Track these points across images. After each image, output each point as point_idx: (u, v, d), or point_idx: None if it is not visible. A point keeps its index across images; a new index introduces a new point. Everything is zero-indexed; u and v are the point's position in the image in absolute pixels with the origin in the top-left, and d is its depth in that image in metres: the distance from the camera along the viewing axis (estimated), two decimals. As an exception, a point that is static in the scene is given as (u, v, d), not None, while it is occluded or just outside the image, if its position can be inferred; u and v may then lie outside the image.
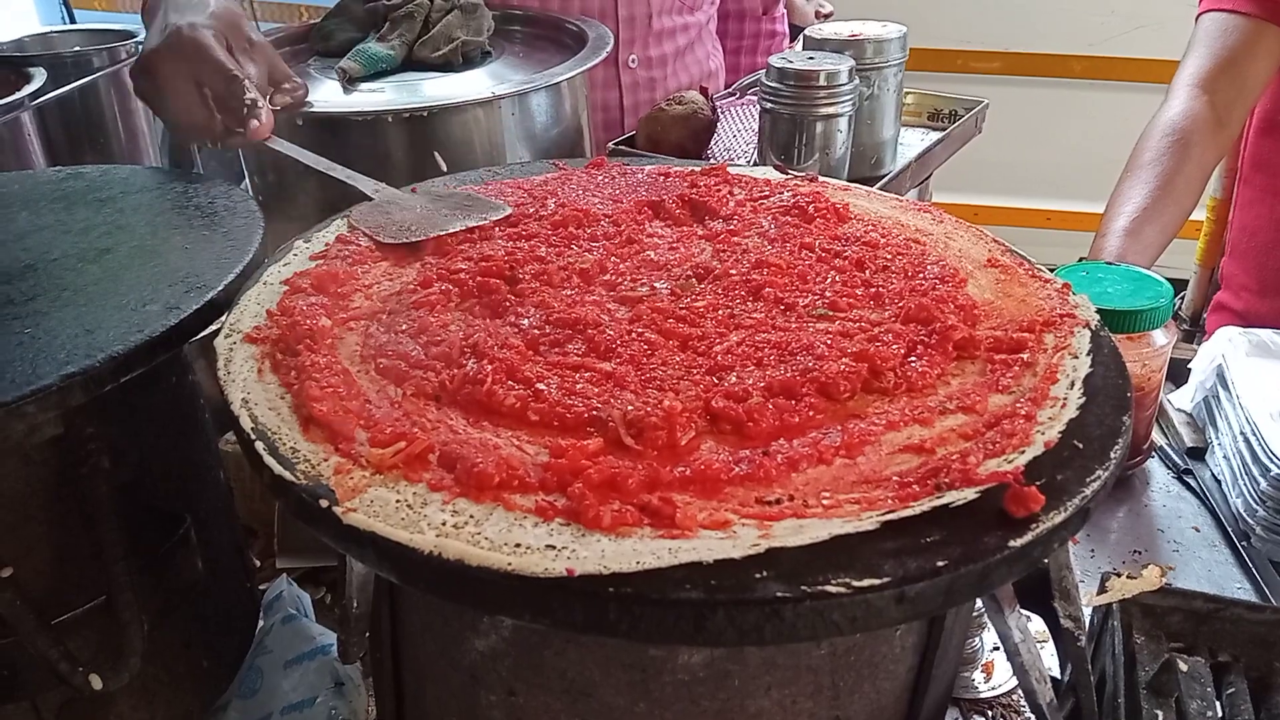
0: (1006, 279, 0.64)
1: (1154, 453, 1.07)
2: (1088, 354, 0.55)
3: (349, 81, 1.03)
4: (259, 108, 0.84)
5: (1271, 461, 0.91)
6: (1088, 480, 0.46)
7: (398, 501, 0.44)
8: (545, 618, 0.41)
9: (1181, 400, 1.12)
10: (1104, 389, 0.53)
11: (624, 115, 1.42)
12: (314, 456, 0.47)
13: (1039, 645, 0.56)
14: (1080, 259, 1.13)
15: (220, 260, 0.68)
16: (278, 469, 0.46)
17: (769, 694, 0.50)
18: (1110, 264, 1.04)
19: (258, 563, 0.93)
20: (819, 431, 0.49)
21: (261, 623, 0.83)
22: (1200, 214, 1.66)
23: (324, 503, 0.44)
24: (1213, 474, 1.03)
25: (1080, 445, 0.49)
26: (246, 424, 0.49)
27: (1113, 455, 0.48)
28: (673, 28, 1.43)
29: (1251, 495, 0.94)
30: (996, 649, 0.83)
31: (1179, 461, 1.07)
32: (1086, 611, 0.71)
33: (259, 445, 0.47)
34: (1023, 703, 0.80)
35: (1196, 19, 1.34)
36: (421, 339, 0.55)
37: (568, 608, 0.41)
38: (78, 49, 1.47)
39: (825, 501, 0.45)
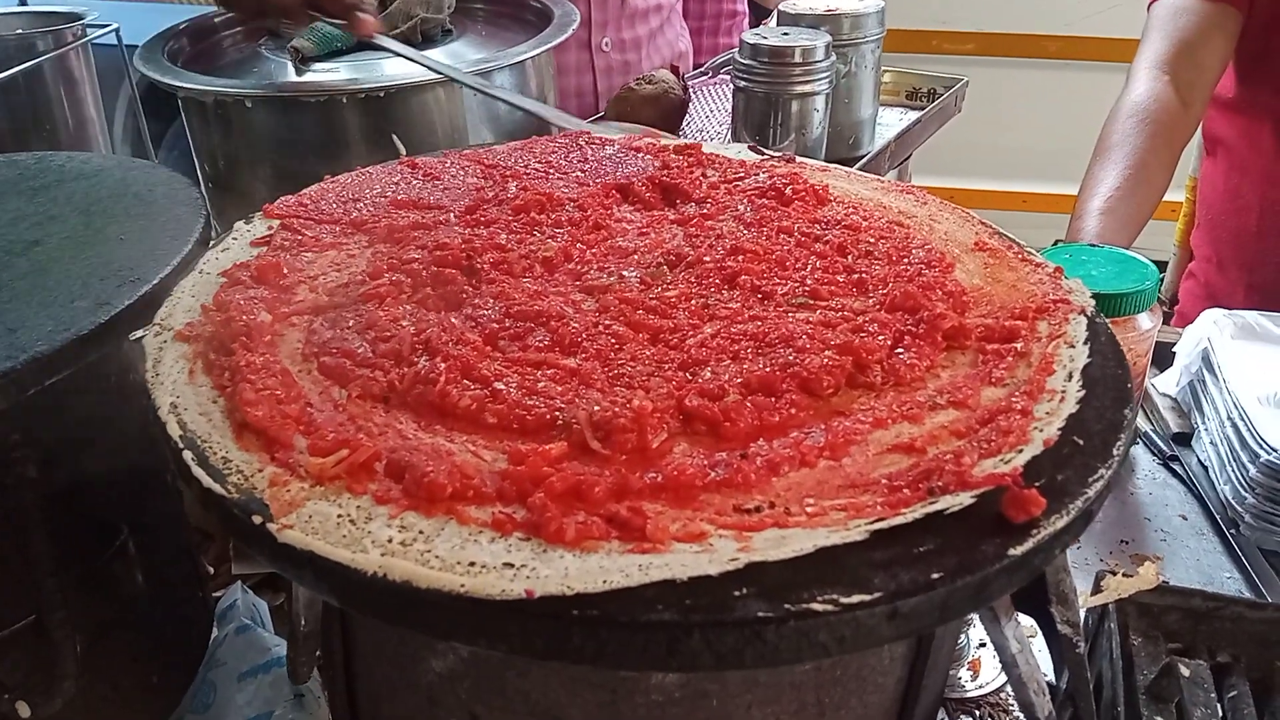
0: (996, 263, 0.60)
1: (1139, 439, 1.05)
2: (1084, 342, 0.52)
3: (302, 61, 0.99)
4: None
5: (1261, 447, 0.89)
6: (1090, 480, 0.43)
7: (339, 516, 0.40)
8: (503, 644, 0.38)
9: (1166, 384, 1.10)
10: (1103, 380, 0.50)
11: (599, 100, 1.39)
12: (247, 467, 0.43)
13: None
14: (1056, 241, 1.10)
15: (156, 252, 0.64)
16: (207, 481, 0.42)
17: (749, 713, 0.47)
18: (1093, 246, 1.02)
19: (211, 569, 0.88)
20: (801, 431, 0.46)
21: (215, 633, 0.79)
22: (1179, 194, 1.65)
23: (257, 519, 0.40)
24: (1199, 460, 1.01)
25: (1081, 442, 0.45)
26: (174, 431, 0.45)
27: (1115, 452, 0.45)
28: (645, 9, 1.41)
29: (1240, 482, 0.92)
30: (983, 645, 0.80)
31: (1164, 448, 1.04)
32: (1081, 612, 0.69)
33: (187, 455, 0.43)
34: (1011, 701, 0.77)
35: (1149, 6, 1.33)
36: (369, 335, 0.51)
37: (527, 633, 0.37)
38: (20, 32, 1.41)
39: (809, 508, 0.41)
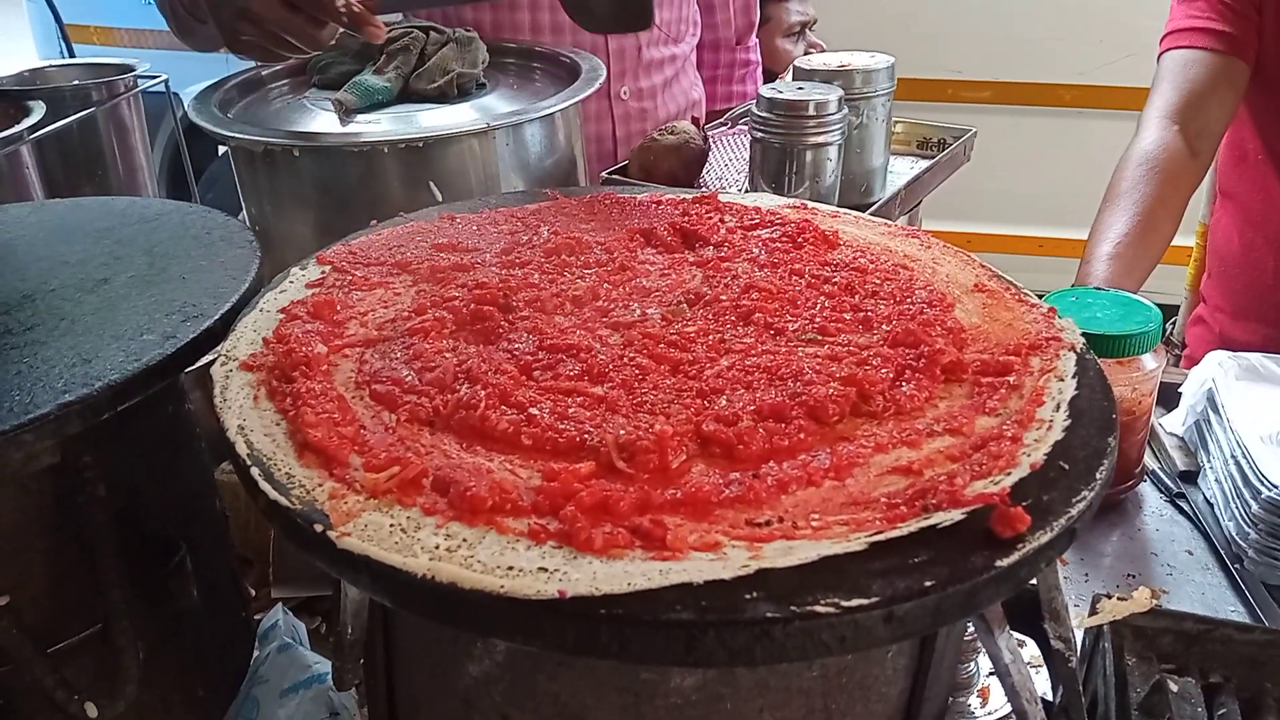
0: (993, 303, 0.65)
1: (1146, 476, 1.08)
2: (1073, 377, 0.56)
3: (345, 113, 1.04)
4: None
5: (1263, 484, 0.92)
6: (1073, 501, 0.47)
7: (391, 525, 0.45)
8: (537, 640, 0.42)
9: (1173, 424, 1.13)
10: (1089, 411, 0.53)
11: (617, 146, 1.45)
12: (309, 481, 0.47)
13: (1033, 670, 0.56)
14: (1073, 286, 1.14)
15: (217, 290, 0.69)
16: (273, 494, 0.47)
17: (761, 717, 0.50)
18: (1099, 289, 1.06)
19: (253, 592, 0.93)
20: (808, 454, 0.50)
21: (257, 652, 0.83)
22: (1189, 239, 1.68)
23: (318, 527, 0.44)
24: (1205, 497, 1.03)
25: (1066, 466, 0.49)
26: (242, 450, 0.50)
27: (1098, 476, 0.49)
28: (660, 59, 1.47)
29: (1243, 518, 0.94)
30: (992, 674, 0.83)
31: (1171, 485, 1.07)
32: (1078, 634, 0.72)
33: (254, 471, 0.48)
34: (1018, 727, 0.80)
35: (1159, 58, 1.37)
36: (416, 365, 0.56)
37: (559, 629, 0.41)
38: (76, 83, 1.49)
39: (814, 523, 0.45)
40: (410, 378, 0.55)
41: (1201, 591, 0.94)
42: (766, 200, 0.81)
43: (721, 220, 0.76)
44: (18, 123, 1.24)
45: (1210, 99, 1.31)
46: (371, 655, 0.58)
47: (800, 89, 1.04)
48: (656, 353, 0.57)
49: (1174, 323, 1.72)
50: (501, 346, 0.58)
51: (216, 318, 0.65)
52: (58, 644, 0.62)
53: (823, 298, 0.64)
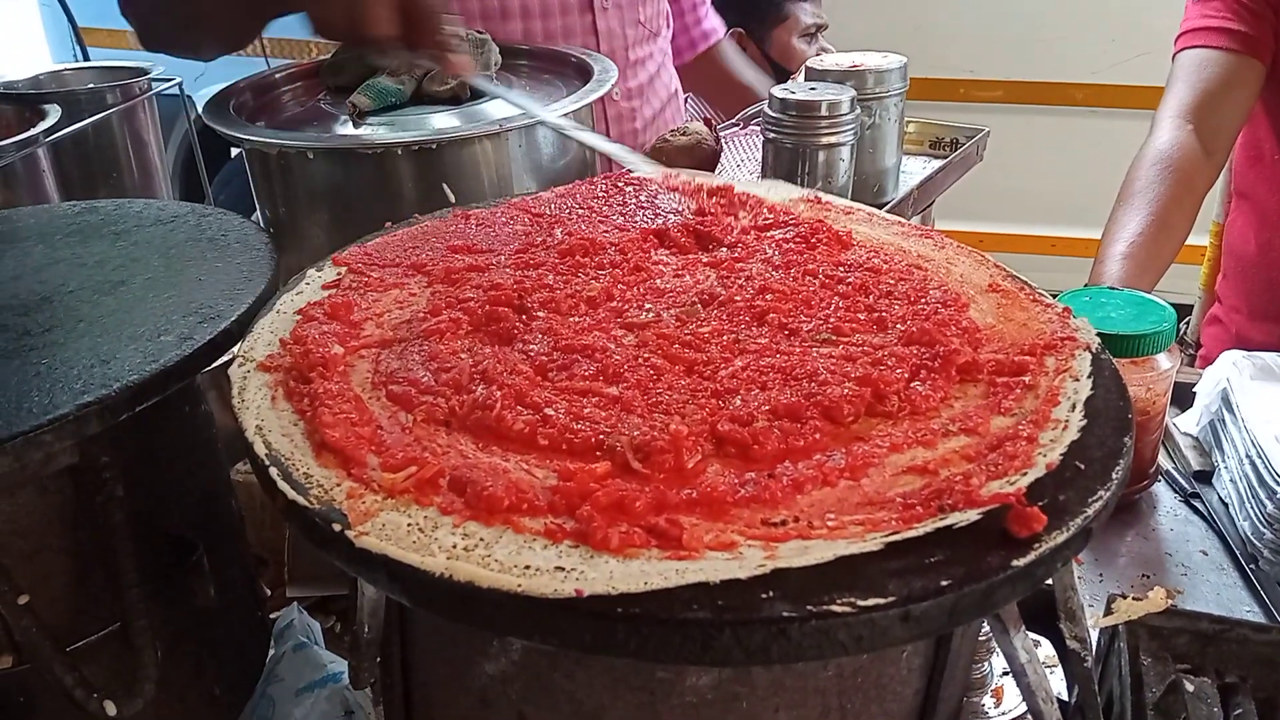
0: (1008, 303, 0.64)
1: (1161, 476, 1.08)
2: (1088, 376, 0.56)
3: (359, 115, 1.05)
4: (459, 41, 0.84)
5: (1278, 484, 0.91)
6: (1089, 500, 0.47)
7: (409, 525, 0.45)
8: (554, 639, 0.42)
9: (1187, 424, 1.13)
10: (1105, 411, 0.53)
11: None
12: (327, 481, 0.48)
13: (1048, 670, 0.56)
14: (1086, 285, 1.14)
15: (233, 291, 0.69)
16: (291, 494, 0.47)
17: (777, 716, 0.50)
18: (1113, 289, 1.05)
19: (268, 591, 0.93)
20: (823, 454, 0.50)
21: (273, 651, 0.84)
22: (1203, 239, 1.67)
23: (336, 526, 0.45)
24: (1220, 497, 1.03)
25: (1082, 466, 0.49)
26: (260, 450, 0.50)
27: (1114, 476, 0.49)
28: (644, 56, 1.48)
29: (1258, 518, 0.94)
30: (1006, 674, 0.83)
31: (1186, 485, 1.07)
32: (1093, 634, 0.72)
33: (273, 471, 0.48)
34: (1032, 728, 0.80)
35: (1174, 57, 1.37)
36: (432, 366, 0.56)
37: (576, 628, 0.41)
38: (91, 86, 1.50)
39: (830, 523, 0.45)
40: (426, 378, 0.55)
41: (1217, 591, 0.94)
42: (780, 192, 0.81)
43: (735, 220, 0.76)
44: (34, 126, 1.25)
45: (1225, 99, 1.31)
46: (387, 654, 0.58)
47: (813, 89, 1.04)
48: (671, 353, 0.58)
49: (1188, 322, 1.71)
50: (516, 347, 0.58)
51: (233, 319, 0.66)
52: (77, 643, 0.63)
53: (837, 298, 0.64)
